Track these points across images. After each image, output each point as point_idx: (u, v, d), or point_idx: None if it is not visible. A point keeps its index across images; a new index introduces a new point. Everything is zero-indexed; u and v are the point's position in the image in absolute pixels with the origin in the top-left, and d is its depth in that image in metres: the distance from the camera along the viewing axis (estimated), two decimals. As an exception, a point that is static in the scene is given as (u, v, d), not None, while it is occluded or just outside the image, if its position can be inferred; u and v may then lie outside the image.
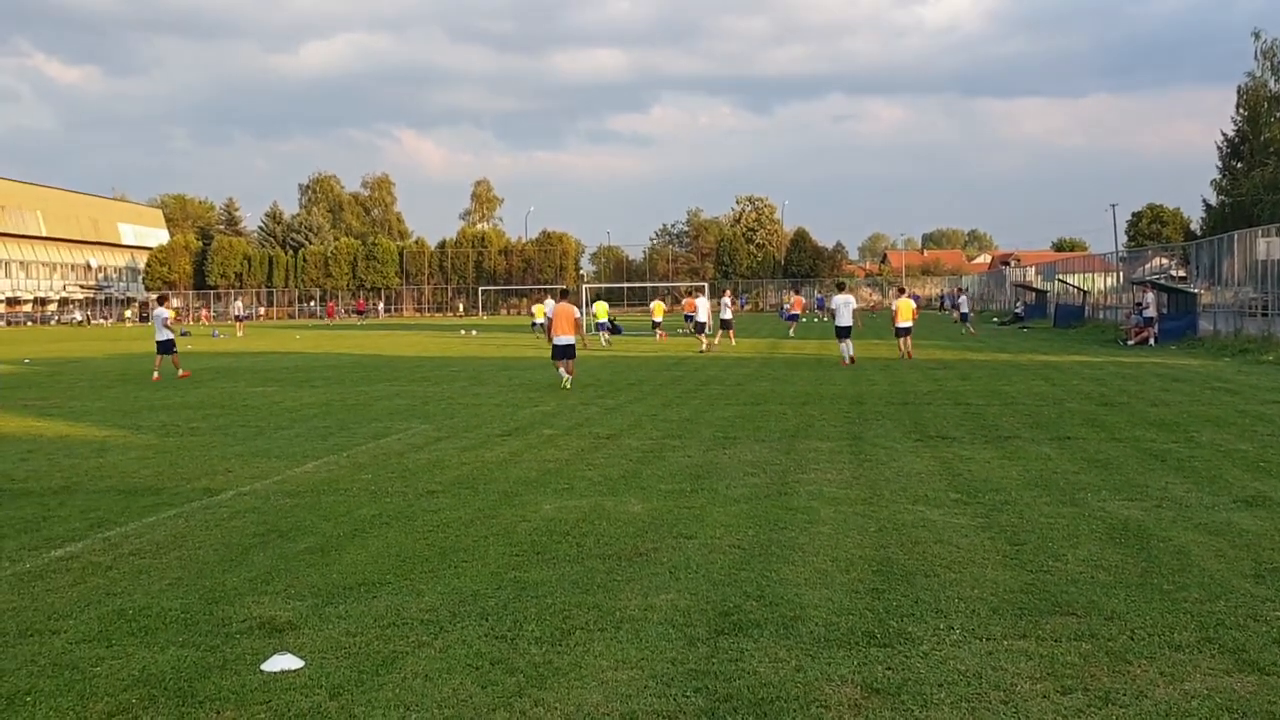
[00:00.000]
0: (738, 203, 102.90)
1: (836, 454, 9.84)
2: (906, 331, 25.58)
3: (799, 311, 40.98)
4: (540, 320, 31.26)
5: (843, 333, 21.88)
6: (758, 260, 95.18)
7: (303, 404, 15.53)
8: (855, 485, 8.27)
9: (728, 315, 31.72)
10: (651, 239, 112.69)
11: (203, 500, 8.08)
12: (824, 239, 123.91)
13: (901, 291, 27.14)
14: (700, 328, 31.04)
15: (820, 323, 56.88)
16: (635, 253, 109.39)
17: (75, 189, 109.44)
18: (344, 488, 8.52)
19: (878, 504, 7.53)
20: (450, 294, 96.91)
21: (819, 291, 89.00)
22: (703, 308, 31.24)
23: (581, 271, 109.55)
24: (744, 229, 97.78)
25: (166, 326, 21.46)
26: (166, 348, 21.36)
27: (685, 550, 6.26)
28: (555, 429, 12.08)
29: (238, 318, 53.18)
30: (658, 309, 38.34)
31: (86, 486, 8.77)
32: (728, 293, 36.38)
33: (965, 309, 40.92)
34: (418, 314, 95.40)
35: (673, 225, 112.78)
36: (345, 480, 8.89)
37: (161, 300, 22.81)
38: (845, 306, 22.18)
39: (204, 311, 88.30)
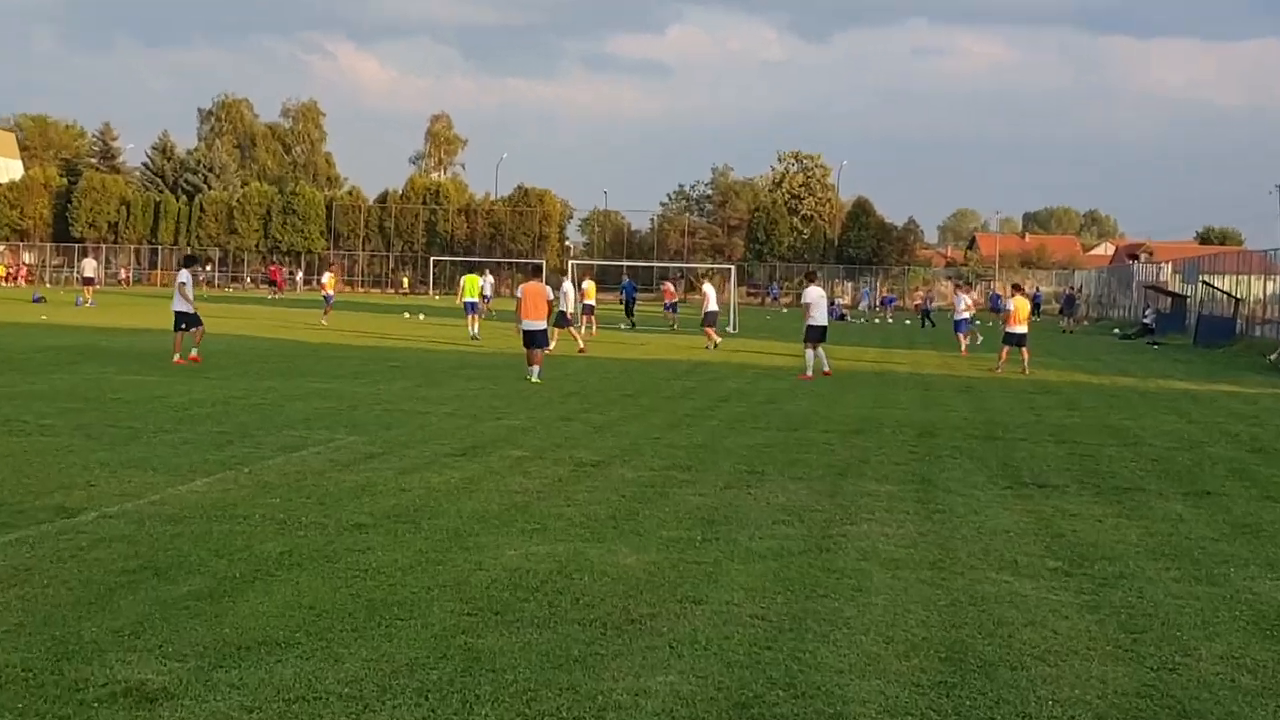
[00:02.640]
0: (780, 160, 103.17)
1: (897, 501, 9.86)
2: (1022, 340, 25.66)
3: (969, 315, 40.29)
4: (472, 299, 31.97)
5: (815, 335, 21.88)
6: (804, 238, 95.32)
7: (193, 400, 15.56)
8: (921, 544, 8.28)
9: (713, 308, 32.14)
10: (663, 204, 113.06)
11: (55, 523, 8.08)
12: (892, 214, 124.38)
13: (1019, 289, 27.24)
14: (711, 320, 31.36)
15: (885, 324, 57.01)
16: (640, 221, 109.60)
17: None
18: (243, 514, 8.54)
19: (950, 570, 7.54)
20: (392, 264, 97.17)
21: (880, 286, 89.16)
22: (712, 297, 31.86)
23: (568, 242, 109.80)
24: (787, 195, 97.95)
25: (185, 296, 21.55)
26: (189, 321, 21.47)
27: (692, 619, 6.28)
28: (525, 449, 12.10)
29: (85, 280, 52.43)
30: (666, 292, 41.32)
31: (-99, 497, 8.76)
32: (717, 280, 39.18)
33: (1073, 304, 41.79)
34: (348, 288, 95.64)
35: (692, 187, 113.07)
36: (246, 504, 8.90)
37: (188, 263, 22.91)
38: (820, 302, 22.26)
39: (22, 270, 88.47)
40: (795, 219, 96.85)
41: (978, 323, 37.81)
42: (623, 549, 7.81)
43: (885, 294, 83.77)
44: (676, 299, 42.66)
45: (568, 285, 30.35)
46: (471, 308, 32.59)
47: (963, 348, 31.47)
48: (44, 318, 36.38)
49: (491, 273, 43.83)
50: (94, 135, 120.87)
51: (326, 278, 42.46)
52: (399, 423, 13.98)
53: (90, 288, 51.28)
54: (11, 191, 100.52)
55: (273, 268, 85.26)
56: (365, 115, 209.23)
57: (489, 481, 10.20)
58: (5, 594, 6.35)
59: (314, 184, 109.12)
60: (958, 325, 32.63)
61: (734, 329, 41.97)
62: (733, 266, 60.10)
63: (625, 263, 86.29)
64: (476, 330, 31.21)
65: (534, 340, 19.86)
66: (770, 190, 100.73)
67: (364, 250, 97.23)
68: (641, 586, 6.88)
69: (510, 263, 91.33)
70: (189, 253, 38.81)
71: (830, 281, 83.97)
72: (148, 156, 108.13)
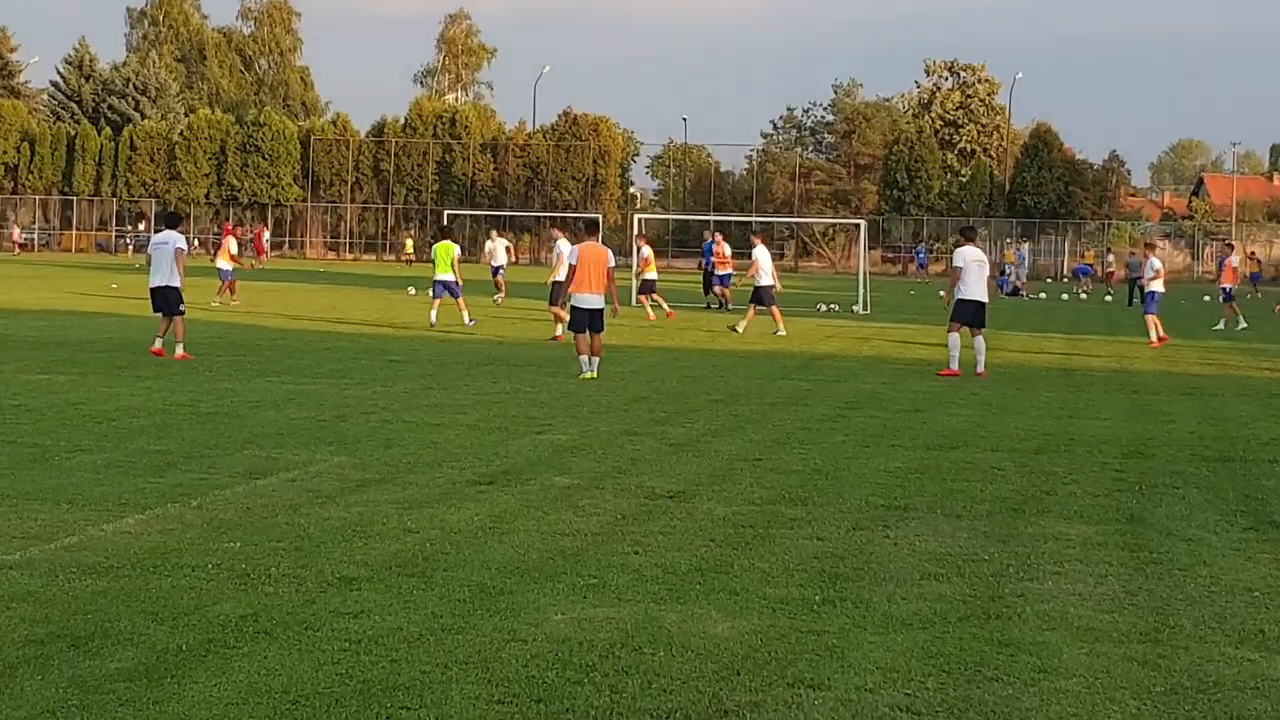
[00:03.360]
0: (928, 74, 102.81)
1: (1095, 547, 9.76)
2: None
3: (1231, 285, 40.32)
4: (445, 275, 30.66)
5: (967, 314, 22.28)
6: (961, 181, 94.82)
7: (121, 407, 15.77)
8: (1129, 607, 8.19)
9: (767, 281, 31.51)
10: (766, 135, 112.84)
11: (-63, 573, 8.23)
12: (1086, 147, 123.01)
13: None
14: (762, 298, 30.97)
15: (1076, 301, 56.39)
16: (733, 159, 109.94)
17: None
18: (191, 564, 8.62)
19: (1170, 643, 7.46)
20: (392, 220, 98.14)
21: (1082, 248, 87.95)
22: (765, 264, 31.49)
23: (632, 189, 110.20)
24: (938, 122, 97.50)
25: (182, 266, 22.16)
26: (170, 303, 21.98)
27: (809, 712, 6.25)
28: (576, 475, 12.12)
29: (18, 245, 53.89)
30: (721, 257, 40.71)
31: None
32: (715, 237, 41.20)
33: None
34: (332, 254, 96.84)
35: (806, 111, 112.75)
36: (194, 549, 8.99)
37: (172, 222, 23.63)
38: (976, 268, 22.14)
39: None
40: (950, 154, 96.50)
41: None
42: (712, 613, 7.78)
43: (1083, 260, 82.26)
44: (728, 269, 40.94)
45: (564, 244, 29.66)
46: (444, 288, 31.26)
47: (1155, 335, 30.54)
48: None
49: (506, 233, 42.79)
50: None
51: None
52: (402, 438, 14.05)
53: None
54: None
55: (257, 229, 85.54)
56: (355, 15, 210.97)
57: (526, 519, 10.20)
58: None
59: (285, 111, 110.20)
60: (1149, 300, 31.72)
61: (863, 308, 41.84)
62: (862, 222, 59.67)
63: (712, 216, 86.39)
64: (435, 318, 30.16)
65: (590, 322, 20.01)
66: (915, 116, 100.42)
67: (352, 202, 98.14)
68: (739, 665, 6.85)
69: (552, 217, 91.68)
70: (171, 209, 39.21)
71: (995, 241, 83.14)
72: (59, 74, 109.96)
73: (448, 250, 31.53)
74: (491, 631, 7.35)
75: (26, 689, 6.29)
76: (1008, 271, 61.53)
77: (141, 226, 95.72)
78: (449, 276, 30.77)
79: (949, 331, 22.00)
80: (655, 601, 8.02)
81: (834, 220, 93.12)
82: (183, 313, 22.10)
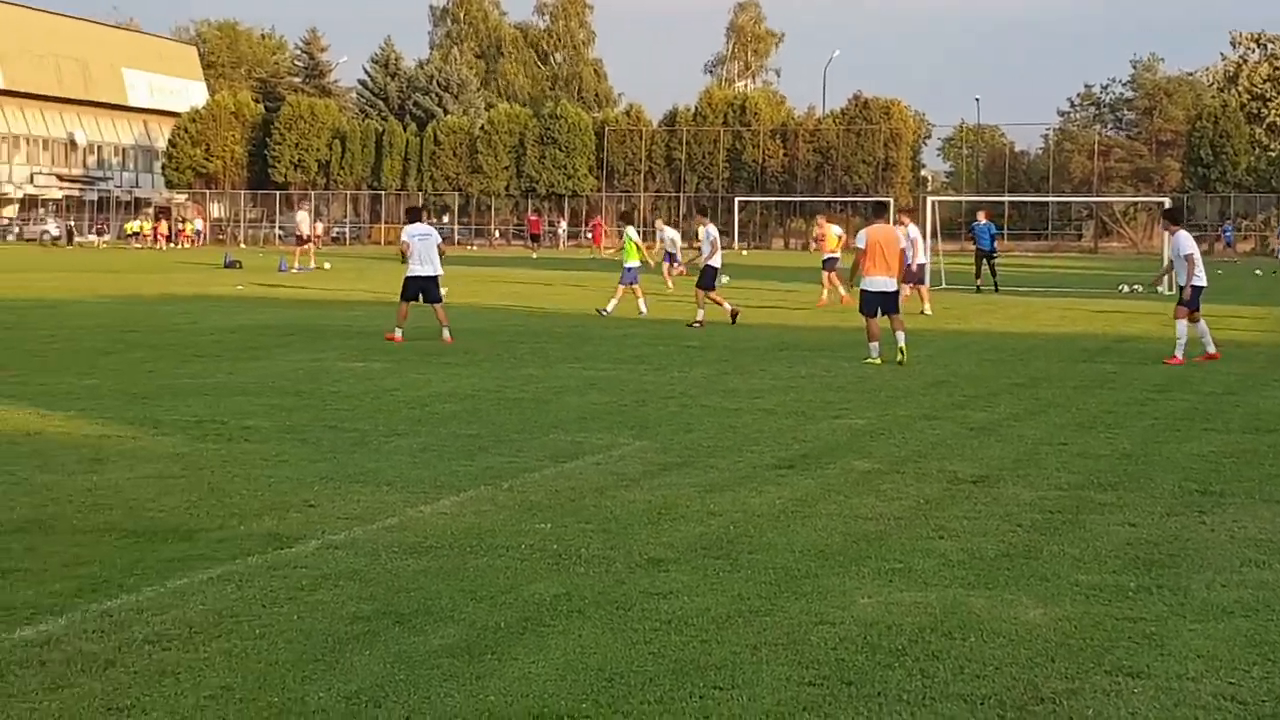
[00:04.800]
0: (1234, 46, 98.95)
1: None
2: None
3: None
4: (630, 263, 29.40)
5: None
6: (1270, 156, 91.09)
7: (434, 394, 16.27)
8: None
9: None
10: (1062, 114, 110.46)
11: (267, 554, 8.58)
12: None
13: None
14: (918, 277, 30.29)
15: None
16: (1028, 139, 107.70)
17: (51, 9, 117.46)
18: (505, 544, 8.85)
19: None
20: (684, 207, 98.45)
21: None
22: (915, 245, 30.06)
23: (924, 171, 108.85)
24: (1244, 96, 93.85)
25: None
26: (432, 292, 23.45)
27: (1128, 699, 6.12)
28: (876, 460, 12.08)
29: (300, 239, 55.22)
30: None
31: (72, 521, 9.44)
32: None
33: None
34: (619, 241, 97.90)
35: (1104, 88, 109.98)
36: (507, 531, 9.22)
37: (415, 216, 25.23)
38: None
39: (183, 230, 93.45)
40: (1258, 129, 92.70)
41: None
42: (1023, 599, 7.67)
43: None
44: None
45: (671, 232, 29.06)
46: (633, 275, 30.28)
47: None
48: (239, 288, 38.88)
49: (704, 219, 40.37)
50: (297, 46, 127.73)
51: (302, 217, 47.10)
52: (701, 423, 14.16)
53: (304, 248, 53.94)
54: (194, 124, 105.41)
55: (532, 217, 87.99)
56: (646, 6, 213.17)
57: (828, 503, 10.19)
58: (208, 647, 6.77)
59: (579, 103, 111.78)
60: None
61: (1168, 288, 40.52)
62: (1165, 200, 57.89)
63: (1007, 198, 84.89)
64: (644, 307, 29.52)
65: (883, 303, 19.89)
66: (1220, 90, 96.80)
67: (645, 191, 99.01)
68: (1053, 652, 6.75)
69: (844, 202, 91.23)
70: (417, 204, 40.51)
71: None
72: (366, 73, 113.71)
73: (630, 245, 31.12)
74: (799, 614, 7.37)
75: (356, 664, 6.53)
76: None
77: (445, 219, 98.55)
78: (635, 264, 30.30)
79: (1180, 319, 21.02)
80: (963, 587, 7.94)
81: (1135, 199, 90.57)
82: (441, 299, 23.20)
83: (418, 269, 23.24)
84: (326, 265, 50.55)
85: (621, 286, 29.52)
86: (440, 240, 23.90)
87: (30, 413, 14.37)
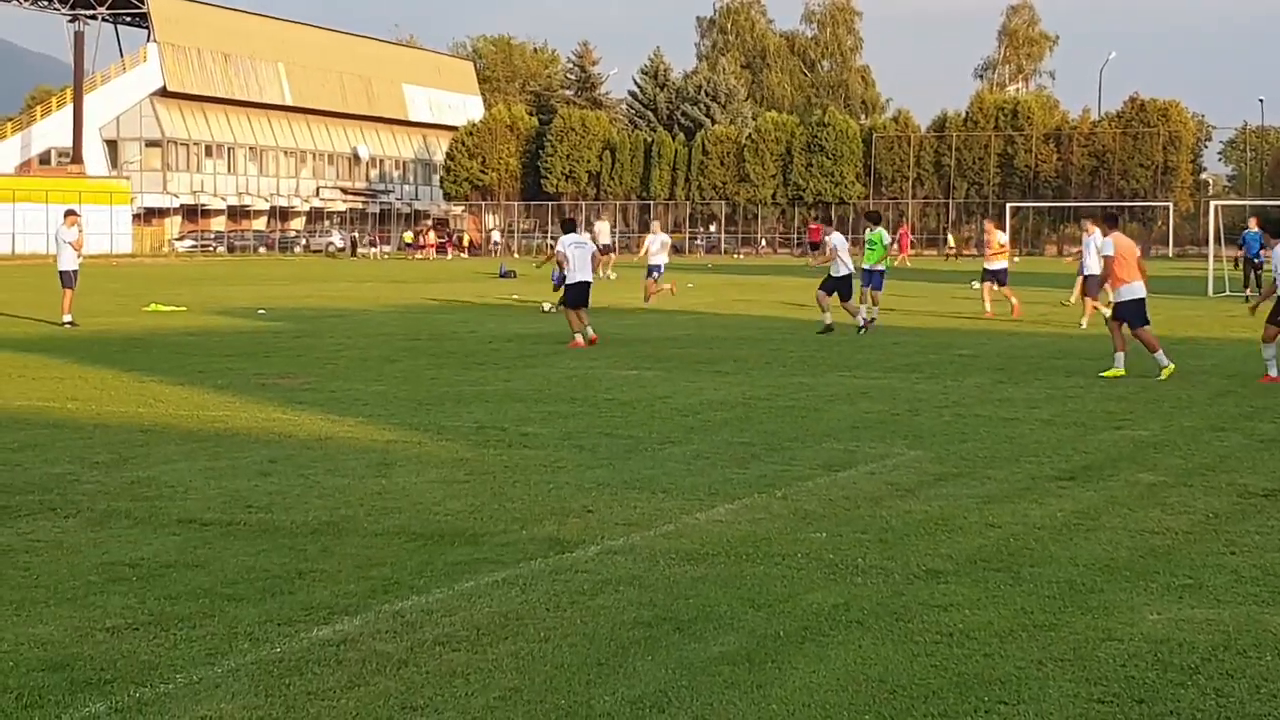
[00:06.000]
0: None
1: None
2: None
3: None
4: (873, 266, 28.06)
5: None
6: None
7: (704, 401, 16.39)
8: None
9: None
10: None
11: (549, 559, 8.78)
12: None
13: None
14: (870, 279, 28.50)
15: None
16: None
17: (336, 28, 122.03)
18: (781, 553, 8.88)
19: None
20: (953, 213, 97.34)
21: None
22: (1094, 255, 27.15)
23: (1204, 174, 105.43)
24: None
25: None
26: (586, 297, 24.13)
27: None
28: (1161, 472, 11.80)
29: (603, 249, 56.84)
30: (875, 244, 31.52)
31: (363, 524, 9.80)
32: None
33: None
34: (893, 250, 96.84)
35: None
36: (782, 539, 9.26)
37: (570, 227, 26.16)
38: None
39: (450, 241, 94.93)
40: None
41: None
42: (1323, 618, 7.42)
43: None
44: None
45: (837, 237, 27.12)
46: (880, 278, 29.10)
47: None
48: (515, 297, 39.62)
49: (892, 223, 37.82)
50: (569, 59, 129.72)
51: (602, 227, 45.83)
52: (976, 433, 14.00)
53: (606, 258, 55.46)
54: (471, 137, 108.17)
55: (813, 225, 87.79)
56: (915, 12, 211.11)
57: (1112, 516, 10.00)
58: (495, 649, 6.96)
59: (845, 110, 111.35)
60: None
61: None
62: None
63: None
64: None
65: (1135, 311, 19.04)
66: None
67: (914, 198, 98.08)
68: (1354, 673, 6.52)
69: (1120, 206, 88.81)
70: (569, 216, 40.79)
71: None
72: (635, 84, 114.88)
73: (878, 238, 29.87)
74: (1085, 629, 7.24)
75: (639, 669, 6.63)
76: None
77: (712, 228, 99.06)
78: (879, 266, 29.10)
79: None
80: (1257, 604, 7.72)
81: None
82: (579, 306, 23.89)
83: (578, 276, 23.93)
84: (613, 275, 51.40)
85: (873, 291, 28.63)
86: (595, 250, 24.69)
87: (322, 418, 14.94)
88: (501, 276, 54.17)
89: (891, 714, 6.04)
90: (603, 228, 58.76)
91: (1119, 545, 9.12)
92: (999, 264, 31.06)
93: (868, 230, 31.16)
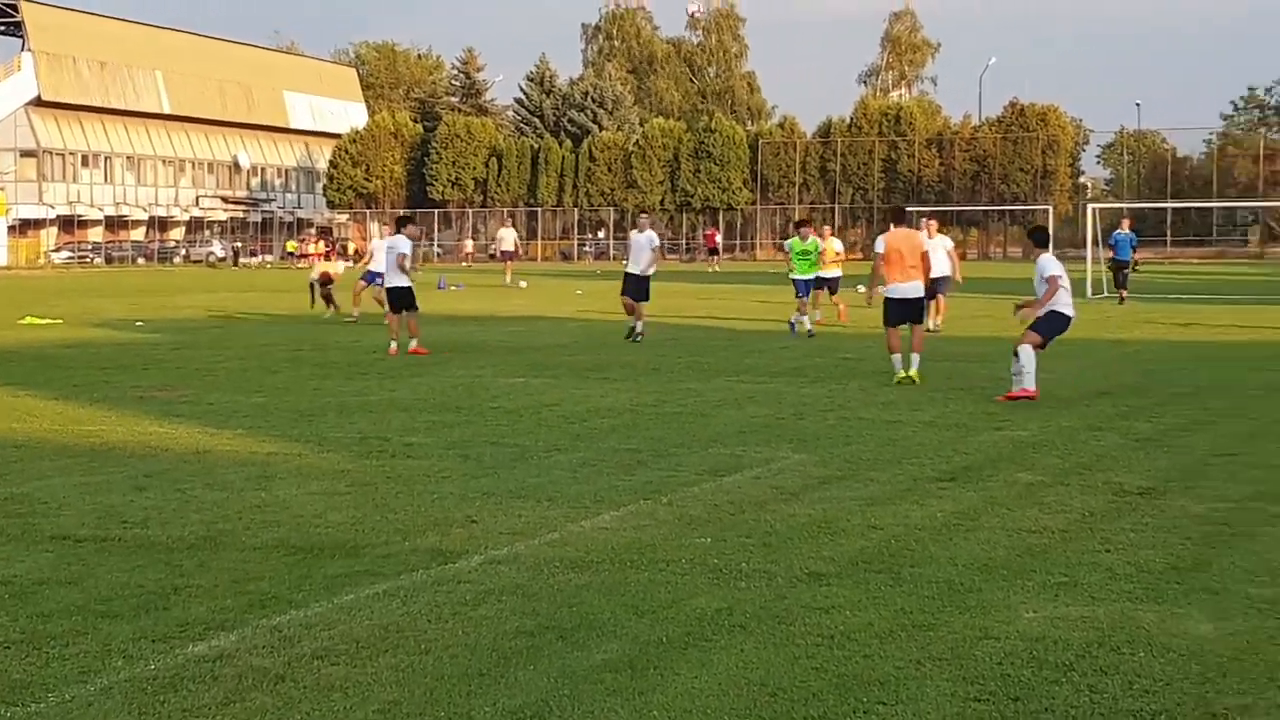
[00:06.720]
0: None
1: None
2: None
3: None
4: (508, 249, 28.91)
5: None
6: None
7: (591, 408, 16.36)
8: None
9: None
10: (1225, 117, 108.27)
11: (431, 570, 8.69)
12: None
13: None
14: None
15: None
16: (1190, 145, 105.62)
17: (215, 35, 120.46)
18: (666, 559, 8.87)
19: None
20: (839, 219, 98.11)
21: None
22: (940, 255, 27.50)
23: (1083, 178, 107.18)
24: None
25: (405, 269, 24.01)
26: (403, 301, 23.98)
27: (1304, 717, 5.98)
28: (1039, 471, 11.95)
29: (505, 254, 57.65)
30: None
31: (241, 538, 9.65)
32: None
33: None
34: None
35: (1269, 90, 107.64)
36: (668, 546, 9.24)
37: (403, 223, 25.48)
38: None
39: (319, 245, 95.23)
40: None
41: None
42: (1193, 613, 7.54)
43: None
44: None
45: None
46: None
47: None
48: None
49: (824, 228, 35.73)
50: (454, 65, 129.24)
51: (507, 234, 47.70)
52: (860, 435, 14.11)
53: (508, 264, 56.71)
54: (354, 144, 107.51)
55: (708, 231, 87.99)
56: (797, 18, 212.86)
57: (991, 516, 10.10)
58: (375, 662, 6.88)
59: (732, 116, 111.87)
60: None
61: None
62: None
63: (1170, 204, 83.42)
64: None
65: (907, 312, 18.91)
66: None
67: (800, 203, 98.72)
68: (1225, 667, 6.62)
69: (1001, 211, 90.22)
70: (402, 214, 40.55)
71: None
72: (522, 90, 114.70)
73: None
74: (963, 628, 7.31)
75: (520, 679, 6.59)
76: None
77: (601, 234, 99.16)
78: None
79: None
80: (1130, 601, 7.83)
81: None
82: (403, 310, 23.97)
83: (391, 280, 24.13)
84: (523, 283, 51.59)
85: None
86: (404, 252, 23.95)
87: (200, 431, 14.73)
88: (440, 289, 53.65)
89: (772, 717, 6.06)
90: (506, 235, 58.76)
91: (997, 545, 9.22)
92: (834, 272, 30.68)
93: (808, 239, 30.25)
